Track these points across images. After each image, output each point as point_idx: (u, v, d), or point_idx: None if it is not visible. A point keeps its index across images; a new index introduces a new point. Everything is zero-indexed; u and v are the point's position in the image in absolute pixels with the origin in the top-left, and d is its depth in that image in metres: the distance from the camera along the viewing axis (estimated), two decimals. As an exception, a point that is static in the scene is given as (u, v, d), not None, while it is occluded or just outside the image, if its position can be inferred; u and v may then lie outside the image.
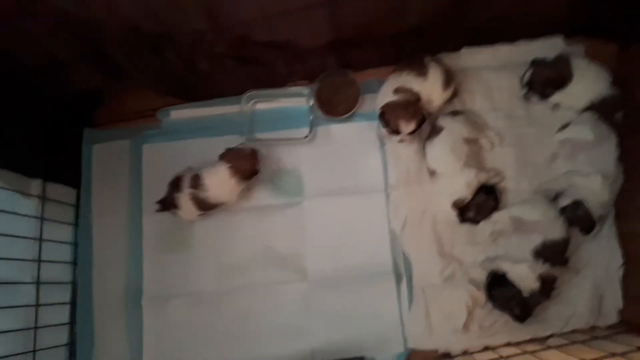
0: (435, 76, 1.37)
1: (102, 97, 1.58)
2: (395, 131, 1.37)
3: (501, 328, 1.32)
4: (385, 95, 1.39)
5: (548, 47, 1.47)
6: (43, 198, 1.38)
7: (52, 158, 1.43)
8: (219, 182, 1.38)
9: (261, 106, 1.57)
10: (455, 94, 1.44)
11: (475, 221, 1.38)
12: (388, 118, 1.36)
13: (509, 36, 1.49)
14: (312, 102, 1.51)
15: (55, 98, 1.39)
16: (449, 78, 1.40)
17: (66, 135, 1.51)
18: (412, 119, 1.34)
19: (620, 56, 1.46)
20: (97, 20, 1.11)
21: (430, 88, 1.38)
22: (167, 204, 1.42)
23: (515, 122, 1.45)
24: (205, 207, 1.41)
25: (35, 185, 1.36)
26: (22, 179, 1.32)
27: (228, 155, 1.40)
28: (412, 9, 1.29)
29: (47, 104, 1.39)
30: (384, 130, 1.42)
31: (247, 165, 1.39)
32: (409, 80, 1.37)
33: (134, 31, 1.17)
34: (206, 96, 1.55)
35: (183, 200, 1.39)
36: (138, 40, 1.21)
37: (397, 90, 1.37)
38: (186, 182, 1.39)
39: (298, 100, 1.54)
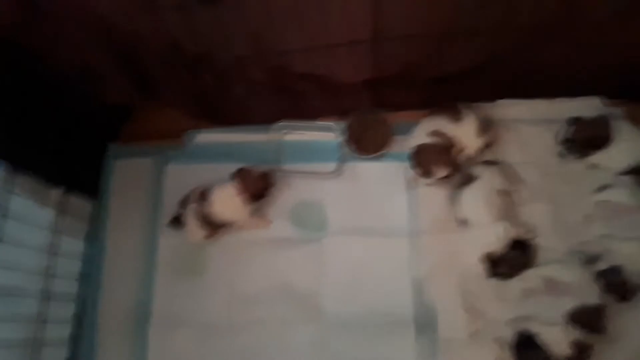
0: (469, 123, 1.35)
1: (129, 114, 1.57)
2: (426, 174, 1.33)
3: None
4: (419, 137, 1.37)
5: (586, 107, 1.44)
6: (60, 209, 1.34)
7: (74, 170, 1.40)
8: (224, 198, 1.35)
9: (290, 137, 1.54)
10: (490, 144, 1.41)
11: (505, 277, 1.31)
12: (421, 160, 1.33)
13: (546, 92, 1.47)
14: (342, 138, 1.48)
15: (85, 109, 1.38)
16: (485, 126, 1.37)
17: (90, 148, 1.49)
18: (446, 165, 1.31)
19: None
20: (140, 35, 1.10)
21: (464, 134, 1.35)
22: (177, 222, 1.40)
23: (550, 178, 1.40)
24: (210, 225, 1.36)
25: (53, 195, 1.33)
26: (42, 187, 1.29)
27: (239, 173, 1.37)
28: (455, 56, 1.28)
29: (76, 114, 1.37)
30: (412, 172, 1.38)
31: (256, 187, 1.37)
32: (443, 125, 1.35)
33: (175, 49, 1.16)
34: (235, 122, 1.54)
35: (189, 217, 1.35)
36: (177, 59, 1.20)
37: (431, 134, 1.35)
38: (193, 198, 1.36)
39: (328, 135, 1.52)
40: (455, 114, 1.36)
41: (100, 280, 1.44)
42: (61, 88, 1.27)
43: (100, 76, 1.28)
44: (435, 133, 1.35)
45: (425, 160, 1.32)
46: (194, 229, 1.37)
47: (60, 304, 1.35)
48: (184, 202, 1.38)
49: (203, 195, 1.35)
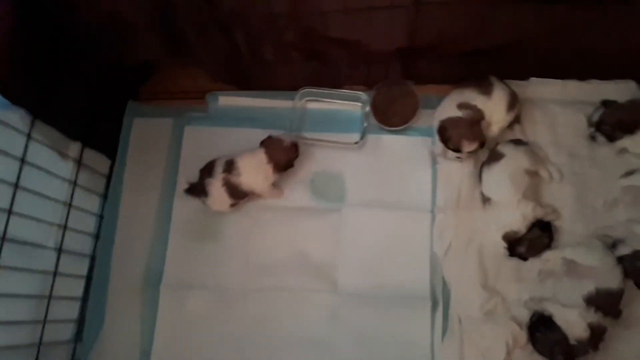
0: (499, 96, 1.32)
1: (152, 72, 1.53)
2: (455, 149, 1.31)
3: (540, 373, 1.24)
4: (447, 109, 1.34)
5: (620, 90, 1.41)
6: (79, 163, 1.32)
7: (94, 124, 1.37)
8: (254, 167, 1.33)
9: (314, 105, 1.51)
10: (517, 120, 1.39)
11: (525, 257, 1.30)
12: (450, 134, 1.30)
13: (580, 73, 1.44)
14: (367, 108, 1.45)
15: (110, 64, 1.34)
16: (514, 100, 1.35)
17: (111, 104, 1.46)
18: (475, 139, 1.29)
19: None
20: (176, -15, 1.06)
21: (493, 108, 1.32)
22: (197, 191, 1.36)
23: (577, 161, 1.38)
24: (237, 194, 1.34)
25: (73, 147, 1.31)
26: (63, 139, 1.26)
27: (268, 142, 1.35)
28: (493, 29, 1.24)
29: (100, 69, 1.34)
30: (438, 147, 1.36)
31: (285, 156, 1.35)
32: (472, 97, 1.32)
33: (210, 4, 1.12)
34: (260, 87, 1.50)
35: (215, 187, 1.32)
36: (211, 15, 1.16)
37: (460, 106, 1.32)
38: (219, 167, 1.33)
39: (353, 105, 1.49)
40: (486, 87, 1.32)
41: (113, 239, 1.43)
42: (91, 41, 1.23)
43: (130, 30, 1.23)
44: (465, 105, 1.31)
45: (455, 134, 1.29)
46: (220, 199, 1.34)
47: (74, 260, 1.34)
48: (207, 170, 1.35)
49: (229, 164, 1.33)
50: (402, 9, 1.13)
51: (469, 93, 1.33)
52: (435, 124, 1.36)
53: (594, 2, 1.14)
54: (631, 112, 1.32)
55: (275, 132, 1.40)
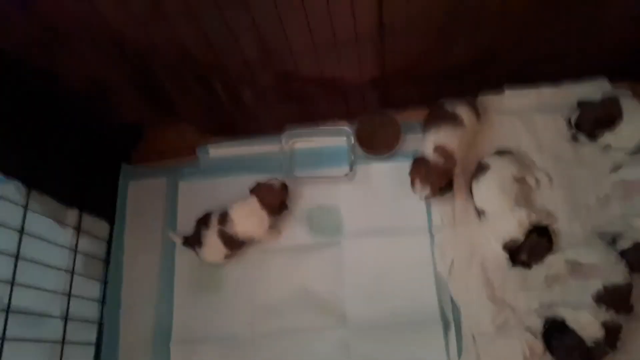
0: (468, 117, 1.36)
1: (141, 134, 1.58)
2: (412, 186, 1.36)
3: (562, 382, 1.20)
4: (427, 149, 1.35)
5: (593, 90, 1.44)
6: (78, 229, 1.34)
7: (90, 190, 1.41)
8: (247, 216, 1.35)
9: (301, 145, 1.55)
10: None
11: (528, 264, 1.30)
12: (412, 177, 1.35)
13: (552, 79, 1.48)
14: (353, 140, 1.49)
15: (97, 128, 1.40)
16: (477, 109, 1.39)
17: (105, 168, 1.50)
18: (427, 183, 1.32)
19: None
20: (153, 46, 1.12)
21: (470, 128, 1.36)
22: (193, 241, 1.38)
23: (564, 164, 1.40)
24: (234, 245, 1.36)
25: (71, 215, 1.33)
26: (60, 207, 1.30)
27: (257, 189, 1.37)
28: (457, 48, 1.30)
29: (89, 134, 1.39)
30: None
31: (277, 199, 1.37)
32: (448, 137, 1.33)
33: (187, 59, 1.18)
34: (245, 133, 1.55)
35: (211, 238, 1.34)
36: (188, 69, 1.22)
37: (436, 149, 1.33)
38: (215, 219, 1.35)
39: (338, 139, 1.53)
40: (453, 119, 1.35)
41: (119, 302, 1.43)
42: (75, 107, 1.29)
43: (113, 93, 1.29)
44: (440, 150, 1.33)
45: (416, 174, 1.34)
46: (215, 250, 1.36)
47: (82, 327, 1.34)
48: (203, 222, 1.37)
49: (223, 216, 1.35)
50: (367, 40, 1.19)
51: (444, 133, 1.34)
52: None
53: (551, 8, 1.19)
54: (606, 109, 1.35)
55: (266, 176, 1.43)
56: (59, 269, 1.27)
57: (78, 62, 1.18)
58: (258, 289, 1.41)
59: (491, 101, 1.44)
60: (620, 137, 1.35)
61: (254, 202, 1.35)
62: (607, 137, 1.36)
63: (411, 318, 1.31)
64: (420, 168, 1.33)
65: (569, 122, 1.40)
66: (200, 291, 1.42)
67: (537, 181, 1.37)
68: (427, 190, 1.32)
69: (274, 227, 1.42)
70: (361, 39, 1.18)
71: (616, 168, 1.35)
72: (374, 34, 1.17)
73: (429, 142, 1.35)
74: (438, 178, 1.31)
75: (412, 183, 1.34)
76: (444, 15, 1.15)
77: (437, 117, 1.37)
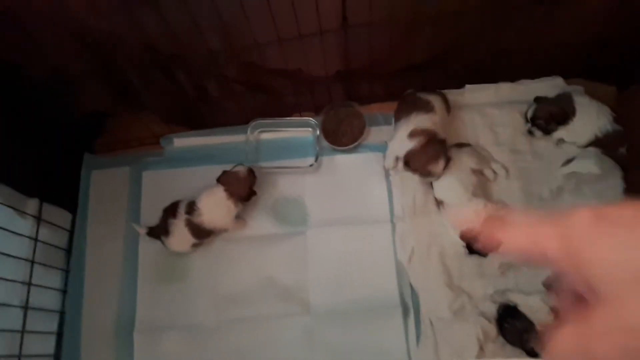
0: (440, 107, 1.39)
1: (105, 123, 1.56)
2: (428, 174, 1.35)
3: (513, 364, 1.27)
4: (401, 141, 1.35)
5: (549, 87, 1.50)
6: (39, 219, 1.33)
7: (51, 180, 1.39)
8: (215, 205, 1.35)
9: (266, 136, 1.57)
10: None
11: (484, 253, 1.35)
12: (415, 167, 1.34)
13: (510, 76, 1.53)
14: (318, 132, 1.51)
15: (59, 117, 1.38)
16: (448, 101, 1.44)
17: (67, 158, 1.49)
18: (439, 158, 1.31)
19: (618, 96, 1.50)
20: (115, 36, 1.11)
21: (440, 119, 1.38)
22: (159, 230, 1.38)
23: (520, 157, 1.46)
24: (201, 234, 1.37)
25: (31, 204, 1.32)
26: (19, 196, 1.28)
27: (224, 177, 1.38)
28: (420, 43, 1.33)
29: (50, 124, 1.37)
30: (387, 162, 1.41)
31: (244, 187, 1.37)
32: (421, 120, 1.34)
33: (150, 49, 1.18)
34: (212, 125, 1.55)
35: (178, 227, 1.35)
36: (152, 59, 1.21)
37: (411, 134, 1.33)
38: (182, 209, 1.36)
39: (304, 130, 1.55)
40: (425, 105, 1.37)
41: (82, 292, 1.42)
42: (36, 97, 1.27)
43: (76, 83, 1.28)
44: (415, 132, 1.33)
45: (420, 164, 1.33)
46: (183, 240, 1.37)
47: (43, 317, 1.33)
48: (170, 211, 1.37)
49: (191, 205, 1.35)
50: (331, 34, 1.21)
51: (415, 117, 1.35)
52: (391, 160, 1.38)
53: (507, 8, 1.24)
54: (561, 105, 1.41)
55: (231, 166, 1.44)
56: (19, 259, 1.25)
57: (39, 52, 1.15)
58: (223, 278, 1.42)
59: (452, 96, 1.48)
60: (573, 132, 1.41)
61: (220, 192, 1.36)
62: (561, 132, 1.43)
63: (372, 304, 1.35)
64: (417, 157, 1.32)
65: (525, 117, 1.46)
66: (164, 280, 1.42)
67: (494, 173, 1.42)
68: (442, 163, 1.31)
69: (240, 217, 1.44)
70: (325, 33, 1.20)
71: (568, 161, 1.41)
72: (338, 29, 1.19)
73: (402, 132, 1.35)
74: (436, 147, 1.32)
75: (423, 172, 1.33)
76: (405, 12, 1.18)
77: (411, 104, 1.39)
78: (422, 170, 1.34)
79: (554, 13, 1.28)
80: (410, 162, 1.34)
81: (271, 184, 1.50)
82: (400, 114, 1.40)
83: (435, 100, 1.38)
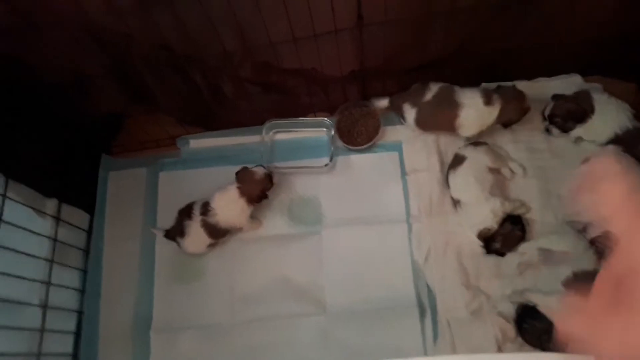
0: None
1: (121, 124, 1.58)
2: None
3: (533, 366, 1.25)
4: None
5: (566, 85, 1.49)
6: (57, 219, 1.34)
7: (69, 180, 1.41)
8: (228, 204, 1.36)
9: (281, 136, 1.57)
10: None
11: (502, 252, 1.33)
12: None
13: (526, 74, 1.52)
14: (333, 132, 1.51)
15: (76, 119, 1.40)
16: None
17: (84, 159, 1.50)
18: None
19: (638, 93, 1.47)
20: (130, 37, 1.13)
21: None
22: (174, 233, 1.39)
23: (537, 155, 1.44)
24: (217, 234, 1.37)
25: (50, 204, 1.34)
26: (38, 196, 1.30)
27: (241, 174, 1.38)
28: (435, 40, 1.32)
29: (68, 125, 1.39)
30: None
31: (257, 189, 1.37)
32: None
33: (165, 50, 1.19)
34: (227, 125, 1.56)
35: (194, 228, 1.35)
36: (167, 59, 1.22)
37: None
38: (197, 210, 1.36)
39: (318, 131, 1.55)
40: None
41: (99, 292, 1.44)
42: (53, 98, 1.29)
43: (92, 84, 1.29)
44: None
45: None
46: (198, 240, 1.37)
47: (61, 316, 1.34)
48: (185, 212, 1.38)
49: (205, 206, 1.36)
50: (346, 32, 1.20)
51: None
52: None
53: (525, 1, 1.22)
54: (579, 103, 1.38)
55: (244, 166, 1.44)
56: (38, 258, 1.27)
57: (54, 52, 1.17)
58: (238, 277, 1.42)
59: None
60: (592, 130, 1.39)
61: (233, 190, 1.36)
62: (579, 130, 1.41)
63: (388, 305, 1.34)
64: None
65: (543, 115, 1.44)
66: (181, 280, 1.43)
67: (512, 172, 1.41)
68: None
69: (255, 217, 1.44)
70: (340, 32, 1.20)
71: (586, 159, 1.39)
72: (353, 28, 1.19)
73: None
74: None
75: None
76: (420, 9, 1.18)
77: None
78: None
79: (574, 8, 1.26)
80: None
81: (286, 184, 1.50)
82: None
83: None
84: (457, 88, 1.38)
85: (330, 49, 1.26)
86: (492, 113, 1.36)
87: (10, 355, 1.15)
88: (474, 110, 1.35)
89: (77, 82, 1.27)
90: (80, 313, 1.40)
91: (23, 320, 1.20)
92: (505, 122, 1.40)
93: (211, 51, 1.21)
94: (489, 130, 1.47)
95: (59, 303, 1.32)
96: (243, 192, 1.36)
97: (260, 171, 1.39)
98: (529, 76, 1.52)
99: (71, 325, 1.37)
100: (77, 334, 1.38)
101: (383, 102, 1.47)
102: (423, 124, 1.42)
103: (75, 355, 1.36)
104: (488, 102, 1.35)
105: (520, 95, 1.39)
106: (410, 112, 1.41)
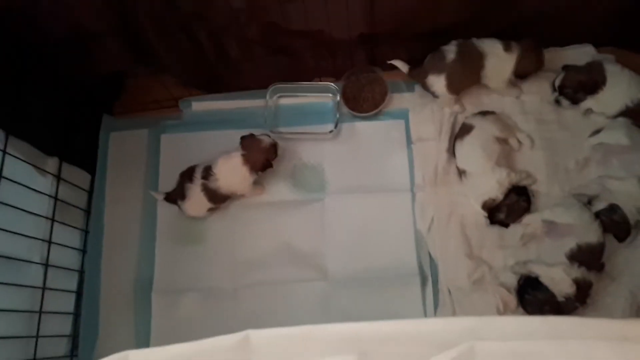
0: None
1: (123, 85, 1.55)
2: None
3: (532, 336, 1.25)
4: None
5: (579, 55, 1.46)
6: (58, 178, 1.33)
7: (71, 140, 1.39)
8: (230, 170, 1.34)
9: (286, 101, 1.54)
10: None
11: (506, 223, 1.33)
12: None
13: (539, 42, 1.48)
14: (338, 98, 1.48)
15: (79, 77, 1.36)
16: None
17: (86, 119, 1.48)
18: None
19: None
20: (135, -10, 1.09)
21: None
22: (175, 195, 1.38)
23: (546, 126, 1.42)
24: (217, 199, 1.36)
25: (51, 163, 1.32)
26: (39, 154, 1.28)
27: (247, 141, 1.36)
28: (446, 7, 1.28)
29: (70, 83, 1.36)
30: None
31: (261, 157, 1.35)
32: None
33: (171, 6, 1.15)
34: (231, 88, 1.53)
35: (194, 192, 1.34)
36: (172, 17, 1.19)
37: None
38: (199, 173, 1.35)
39: (323, 96, 1.52)
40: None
41: (100, 252, 1.43)
42: (58, 54, 1.26)
43: (96, 41, 1.26)
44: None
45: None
46: (198, 204, 1.36)
47: (63, 275, 1.35)
48: (186, 175, 1.37)
49: (207, 170, 1.34)
50: (357, -8, 1.17)
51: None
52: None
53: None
54: (590, 74, 1.36)
55: (249, 131, 1.41)
56: (39, 216, 1.26)
57: (59, 7, 1.13)
58: (240, 242, 1.42)
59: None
60: (602, 101, 1.36)
61: (237, 157, 1.34)
62: (589, 102, 1.38)
63: (390, 273, 1.34)
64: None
65: (553, 85, 1.41)
66: (182, 243, 1.43)
67: (519, 142, 1.39)
68: None
69: (258, 183, 1.42)
70: (350, -9, 1.16)
71: (596, 131, 1.37)
72: (364, -15, 1.15)
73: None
74: None
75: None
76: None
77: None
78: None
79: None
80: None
81: (290, 150, 1.48)
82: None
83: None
84: (474, 40, 1.36)
85: (339, 9, 1.23)
86: (510, 60, 1.35)
87: (13, 312, 1.15)
88: (495, 57, 1.34)
89: (81, 38, 1.24)
90: (81, 272, 1.40)
91: (25, 278, 1.20)
92: (521, 73, 1.38)
93: (217, 8, 1.18)
94: (497, 99, 1.44)
95: (60, 262, 1.32)
96: (247, 160, 1.34)
97: (266, 140, 1.37)
98: (542, 45, 1.48)
99: (72, 285, 1.38)
100: (79, 293, 1.38)
101: (403, 66, 1.43)
102: (455, 86, 1.38)
103: (77, 314, 1.36)
104: (507, 48, 1.34)
105: (537, 47, 1.38)
106: (438, 81, 1.37)
